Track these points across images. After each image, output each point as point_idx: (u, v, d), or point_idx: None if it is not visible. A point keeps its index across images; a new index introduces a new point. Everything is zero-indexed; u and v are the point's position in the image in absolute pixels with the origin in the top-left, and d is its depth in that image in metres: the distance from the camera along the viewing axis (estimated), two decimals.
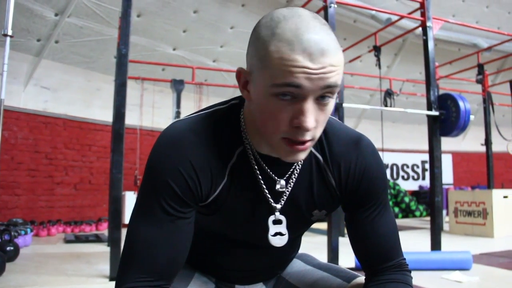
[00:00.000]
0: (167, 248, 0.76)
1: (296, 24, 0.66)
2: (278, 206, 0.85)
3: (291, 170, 0.85)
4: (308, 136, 0.70)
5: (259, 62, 0.69)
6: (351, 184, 0.86)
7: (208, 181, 0.79)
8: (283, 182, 0.83)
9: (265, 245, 0.85)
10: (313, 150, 0.86)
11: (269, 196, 0.84)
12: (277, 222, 0.85)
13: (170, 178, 0.75)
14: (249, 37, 0.74)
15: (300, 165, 0.85)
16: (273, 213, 0.85)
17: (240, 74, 0.76)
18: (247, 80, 0.75)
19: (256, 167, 0.83)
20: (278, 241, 0.85)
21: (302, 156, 0.74)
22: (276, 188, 0.83)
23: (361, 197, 0.87)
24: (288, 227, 0.86)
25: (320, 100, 0.69)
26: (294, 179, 0.85)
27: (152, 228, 0.76)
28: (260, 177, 0.83)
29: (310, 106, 0.68)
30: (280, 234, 0.85)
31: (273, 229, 0.85)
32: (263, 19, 0.72)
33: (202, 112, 0.85)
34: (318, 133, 0.73)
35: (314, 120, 0.69)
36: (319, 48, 0.65)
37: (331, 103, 0.71)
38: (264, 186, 0.83)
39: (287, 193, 0.85)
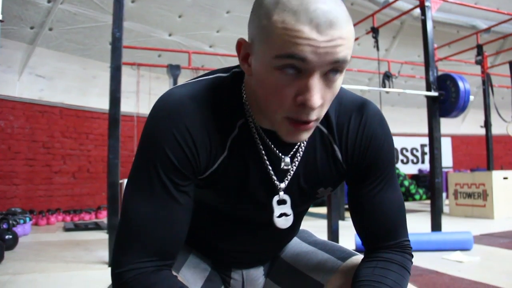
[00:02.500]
0: (168, 225, 0.71)
1: None
2: (283, 185, 0.79)
3: (297, 147, 0.79)
4: (313, 116, 0.65)
5: (261, 32, 0.63)
6: (357, 154, 0.80)
7: (207, 152, 0.73)
8: (287, 159, 0.77)
9: (268, 224, 0.80)
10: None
11: (272, 173, 0.78)
12: (281, 202, 0.80)
13: (166, 145, 0.69)
14: (252, 5, 0.68)
15: (305, 141, 0.79)
16: (277, 193, 0.79)
17: (240, 45, 0.70)
18: (248, 52, 0.69)
19: (259, 141, 0.77)
20: (284, 223, 0.80)
21: (305, 136, 0.69)
22: (281, 166, 0.77)
23: (366, 169, 0.81)
24: (291, 206, 0.81)
25: (328, 76, 0.63)
26: (299, 157, 0.79)
27: (150, 204, 0.70)
28: (263, 152, 0.77)
29: (316, 82, 0.62)
30: (285, 215, 0.80)
31: (278, 210, 0.79)
32: None
33: (202, 78, 0.78)
34: (323, 112, 0.68)
35: (321, 98, 0.63)
36: (327, 19, 0.59)
37: (340, 79, 0.65)
38: (268, 163, 0.78)
39: (292, 172, 0.79)
